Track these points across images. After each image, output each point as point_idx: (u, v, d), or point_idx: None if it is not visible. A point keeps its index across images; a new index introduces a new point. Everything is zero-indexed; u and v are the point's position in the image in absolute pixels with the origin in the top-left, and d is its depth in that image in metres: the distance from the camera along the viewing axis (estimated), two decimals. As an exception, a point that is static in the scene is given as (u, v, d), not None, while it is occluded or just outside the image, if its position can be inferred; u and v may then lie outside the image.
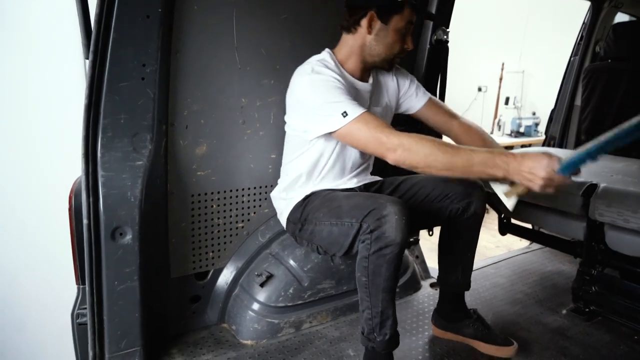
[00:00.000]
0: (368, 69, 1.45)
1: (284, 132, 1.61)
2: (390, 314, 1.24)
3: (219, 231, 1.57)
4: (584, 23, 2.63)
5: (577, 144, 2.61)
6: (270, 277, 1.56)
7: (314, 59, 1.37)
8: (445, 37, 1.78)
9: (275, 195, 1.53)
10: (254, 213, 1.63)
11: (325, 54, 1.39)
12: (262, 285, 1.55)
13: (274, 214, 1.66)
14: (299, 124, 1.35)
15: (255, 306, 1.54)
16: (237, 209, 1.59)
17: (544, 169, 1.11)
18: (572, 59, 2.69)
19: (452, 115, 1.59)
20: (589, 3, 2.57)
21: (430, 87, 1.86)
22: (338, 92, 1.23)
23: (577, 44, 2.67)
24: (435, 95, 1.86)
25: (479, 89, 6.07)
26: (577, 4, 2.63)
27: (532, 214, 1.93)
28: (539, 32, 5.30)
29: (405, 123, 1.72)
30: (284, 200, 1.47)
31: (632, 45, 2.43)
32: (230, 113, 1.50)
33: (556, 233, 1.98)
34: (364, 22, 1.33)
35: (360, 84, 1.42)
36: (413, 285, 1.93)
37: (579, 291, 1.79)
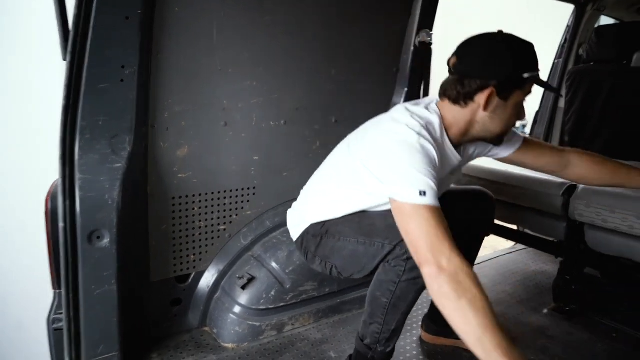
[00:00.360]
0: (467, 142, 1.26)
1: (266, 134, 1.61)
2: (400, 331, 1.24)
3: (200, 234, 1.56)
4: (567, 26, 2.66)
5: (561, 144, 2.64)
6: (252, 279, 1.56)
7: (423, 116, 1.14)
8: (429, 39, 1.79)
9: (301, 208, 1.38)
10: (236, 215, 1.62)
11: (435, 118, 1.15)
12: (243, 287, 1.54)
13: (256, 215, 1.66)
14: (369, 165, 1.12)
15: (237, 309, 1.54)
16: (219, 211, 1.58)
17: None
18: (556, 61, 2.72)
19: (561, 151, 1.42)
20: (572, 6, 2.60)
21: (414, 90, 1.87)
22: (430, 169, 1.03)
23: (561, 47, 2.70)
24: (419, 97, 1.87)
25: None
26: (563, 7, 2.66)
27: (515, 215, 1.95)
28: (527, 35, 5.33)
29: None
30: (308, 214, 1.34)
31: (614, 48, 2.46)
32: (212, 115, 1.49)
33: (538, 234, 2.00)
34: (480, 98, 1.11)
35: (455, 154, 1.23)
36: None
37: (560, 290, 1.81)
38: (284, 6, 1.53)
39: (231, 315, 1.53)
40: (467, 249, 1.32)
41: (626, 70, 2.31)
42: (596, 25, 2.63)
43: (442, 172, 1.17)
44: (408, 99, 1.85)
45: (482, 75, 1.09)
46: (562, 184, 1.66)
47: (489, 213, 1.52)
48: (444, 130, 1.17)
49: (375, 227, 1.18)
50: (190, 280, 1.57)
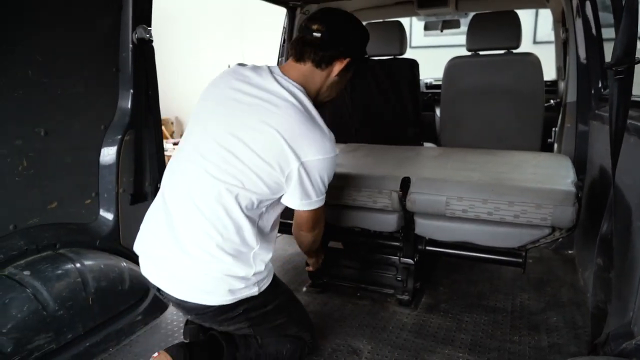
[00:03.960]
0: None
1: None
2: None
3: None
4: (284, 27, 2.93)
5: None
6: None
7: (307, 102, 1.22)
8: (147, 35, 1.65)
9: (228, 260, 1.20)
10: None
11: (302, 95, 1.23)
12: None
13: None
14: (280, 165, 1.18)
15: None
16: None
17: None
18: (279, 59, 2.96)
19: None
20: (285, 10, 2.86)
21: (140, 91, 1.71)
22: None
23: (282, 46, 2.95)
24: (147, 98, 1.73)
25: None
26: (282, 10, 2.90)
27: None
28: (256, 34, 5.73)
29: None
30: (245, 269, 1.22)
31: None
32: None
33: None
34: (337, 64, 1.28)
35: None
36: (159, 307, 1.76)
37: (313, 267, 1.98)
38: None
39: None
40: None
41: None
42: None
43: None
44: (136, 102, 1.68)
45: (348, 47, 1.28)
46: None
47: None
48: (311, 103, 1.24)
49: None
50: None
